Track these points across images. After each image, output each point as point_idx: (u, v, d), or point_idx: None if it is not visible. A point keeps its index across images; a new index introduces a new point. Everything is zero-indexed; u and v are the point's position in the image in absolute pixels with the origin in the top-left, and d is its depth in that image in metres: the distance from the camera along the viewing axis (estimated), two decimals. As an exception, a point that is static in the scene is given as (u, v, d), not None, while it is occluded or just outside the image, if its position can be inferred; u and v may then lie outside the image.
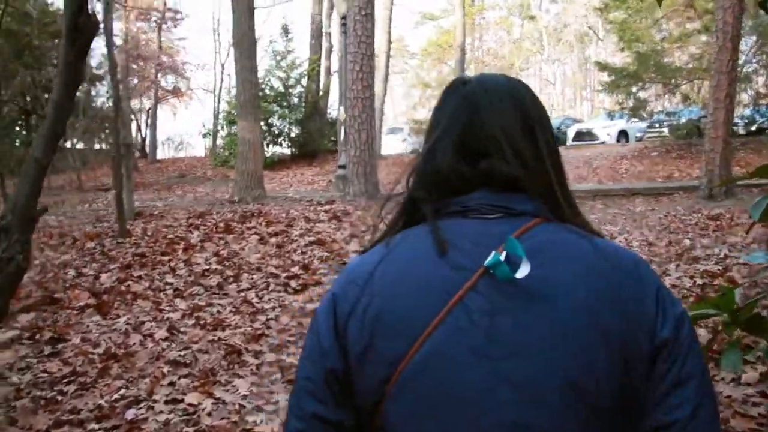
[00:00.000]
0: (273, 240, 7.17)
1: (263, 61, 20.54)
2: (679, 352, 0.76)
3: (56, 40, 14.76)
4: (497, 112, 0.86)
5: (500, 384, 0.73)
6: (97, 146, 21.20)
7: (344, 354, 0.80)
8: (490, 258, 0.75)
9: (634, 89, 15.72)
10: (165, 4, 26.19)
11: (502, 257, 0.74)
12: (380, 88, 22.19)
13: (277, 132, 21.21)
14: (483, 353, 0.73)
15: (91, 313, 5.05)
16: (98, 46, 22.82)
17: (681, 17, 15.69)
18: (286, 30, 21.78)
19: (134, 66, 24.28)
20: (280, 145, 21.64)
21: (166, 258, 6.68)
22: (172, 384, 3.69)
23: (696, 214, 8.90)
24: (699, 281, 5.16)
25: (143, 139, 27.66)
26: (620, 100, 16.57)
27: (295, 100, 21.55)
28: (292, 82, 21.46)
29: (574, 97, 59.62)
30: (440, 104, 0.92)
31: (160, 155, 28.41)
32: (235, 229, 7.77)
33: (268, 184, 16.73)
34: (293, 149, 21.60)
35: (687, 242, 6.83)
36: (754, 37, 14.65)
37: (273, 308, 5.13)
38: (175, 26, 28.51)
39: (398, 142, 24.37)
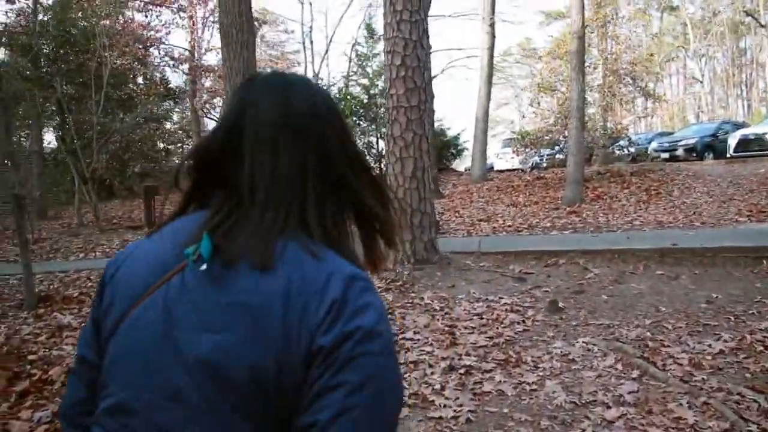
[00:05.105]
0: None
1: (340, 66, 17.77)
2: (334, 362, 0.78)
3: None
4: (262, 113, 0.91)
5: (170, 352, 0.82)
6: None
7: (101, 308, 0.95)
8: (188, 249, 0.84)
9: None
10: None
11: (194, 249, 0.83)
12: (484, 92, 18.60)
13: (357, 150, 18.28)
14: (165, 324, 0.83)
15: None
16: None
17: None
18: (370, 30, 18.77)
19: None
20: (361, 164, 18.69)
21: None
22: None
23: None
24: None
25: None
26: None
27: (382, 111, 18.48)
28: (377, 91, 18.37)
29: (726, 97, 51.82)
30: (232, 95, 0.98)
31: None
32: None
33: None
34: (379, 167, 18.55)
35: None
36: None
37: None
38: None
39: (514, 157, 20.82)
